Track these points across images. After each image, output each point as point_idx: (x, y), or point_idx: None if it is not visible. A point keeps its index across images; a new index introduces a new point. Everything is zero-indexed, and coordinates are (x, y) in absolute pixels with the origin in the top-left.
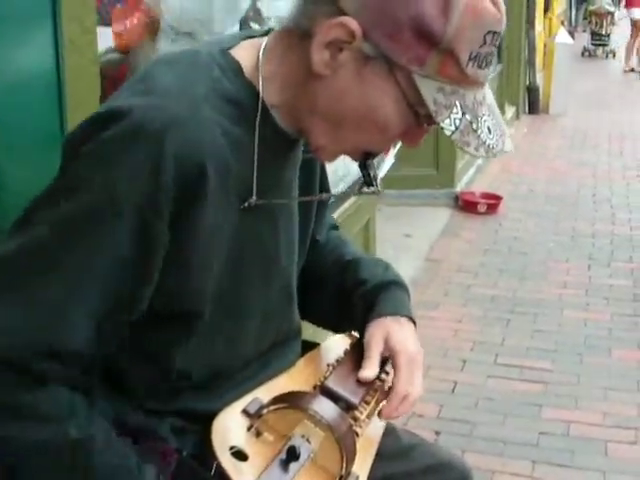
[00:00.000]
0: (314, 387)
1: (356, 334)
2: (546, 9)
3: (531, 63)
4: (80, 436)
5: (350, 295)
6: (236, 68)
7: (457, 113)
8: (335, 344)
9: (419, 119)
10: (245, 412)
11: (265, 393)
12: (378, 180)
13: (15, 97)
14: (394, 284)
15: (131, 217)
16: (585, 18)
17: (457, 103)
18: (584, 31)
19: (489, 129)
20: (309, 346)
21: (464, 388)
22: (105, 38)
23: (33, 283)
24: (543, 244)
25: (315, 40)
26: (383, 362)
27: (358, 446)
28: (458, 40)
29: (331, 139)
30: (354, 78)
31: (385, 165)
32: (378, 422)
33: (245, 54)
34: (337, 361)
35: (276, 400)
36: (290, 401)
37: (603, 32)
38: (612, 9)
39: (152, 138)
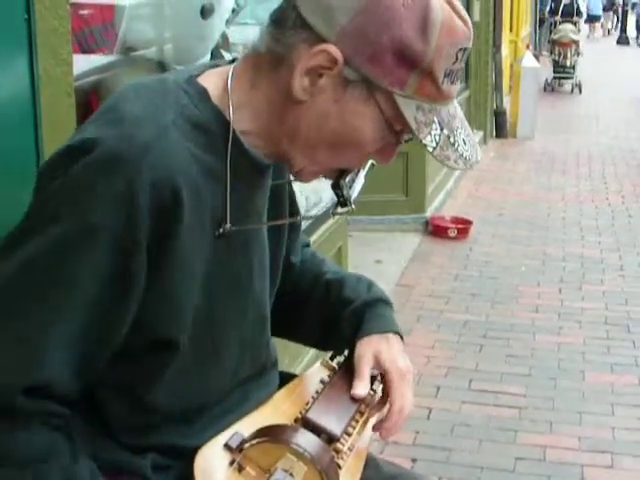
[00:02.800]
0: (295, 420)
1: (334, 364)
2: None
3: (498, 87)
4: (64, 478)
5: (336, 314)
6: (203, 94)
7: (436, 129)
8: (314, 375)
9: (398, 136)
10: (227, 446)
11: (246, 427)
12: (352, 199)
13: None
14: (379, 301)
15: (109, 248)
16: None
17: (435, 119)
18: (551, 53)
19: (464, 141)
20: (287, 377)
21: (439, 414)
22: (81, 66)
23: (10, 322)
24: (514, 268)
25: (297, 67)
26: (371, 381)
27: (341, 478)
28: (436, 60)
29: (310, 161)
30: (334, 102)
31: (357, 185)
32: (363, 445)
33: (212, 81)
34: (317, 392)
35: (257, 434)
36: (272, 435)
37: (567, 63)
38: (577, 37)
39: (126, 168)
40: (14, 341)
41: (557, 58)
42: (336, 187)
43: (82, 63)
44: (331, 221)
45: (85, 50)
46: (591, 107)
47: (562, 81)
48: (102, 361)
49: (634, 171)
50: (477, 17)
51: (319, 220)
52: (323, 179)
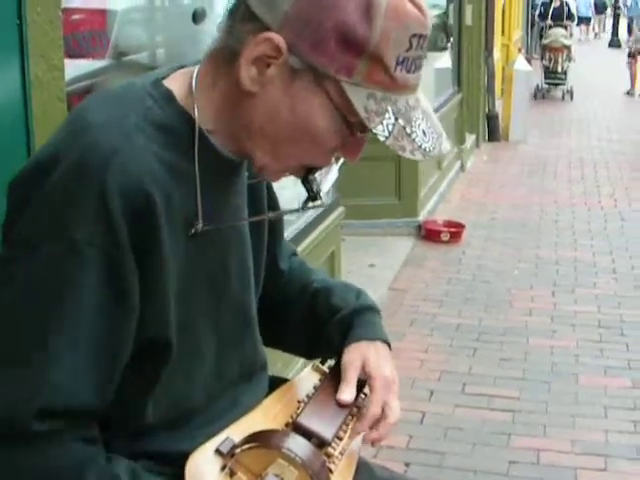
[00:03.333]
0: (286, 424)
1: (325, 368)
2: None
3: (490, 90)
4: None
5: (324, 322)
6: (167, 96)
7: (390, 119)
8: (305, 379)
9: (352, 128)
10: (218, 452)
11: (237, 432)
12: (322, 193)
13: None
14: (368, 309)
15: (96, 259)
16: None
17: (389, 109)
18: (542, 59)
19: (424, 132)
20: (277, 382)
21: (432, 418)
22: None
23: (12, 347)
24: (507, 272)
25: (243, 57)
26: (360, 386)
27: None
28: (384, 45)
29: (272, 157)
30: (284, 93)
31: (329, 179)
32: (355, 449)
33: (177, 83)
34: (308, 396)
35: (248, 439)
36: (262, 440)
37: (559, 69)
38: (568, 42)
39: (94, 176)
40: (18, 366)
41: (548, 64)
42: (305, 182)
43: (74, 68)
44: (324, 225)
45: (71, 55)
46: (582, 110)
47: (553, 87)
48: (119, 370)
49: (626, 174)
50: (469, 21)
51: (292, 211)
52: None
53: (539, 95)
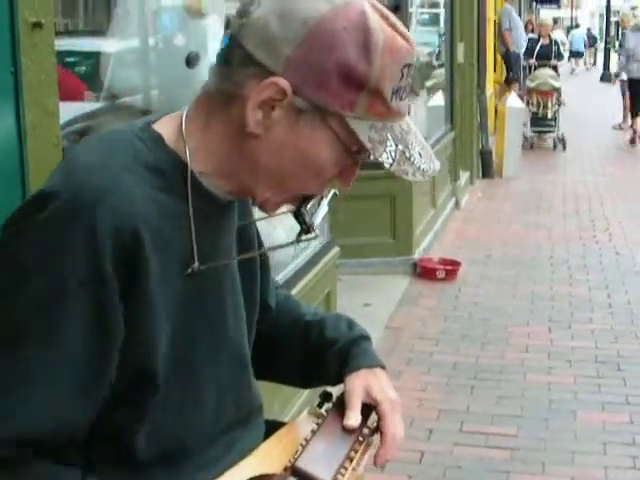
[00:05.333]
0: (284, 468)
1: (322, 411)
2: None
3: (483, 127)
4: None
5: (319, 355)
6: (157, 140)
7: (391, 146)
8: (302, 423)
9: (354, 157)
10: None
11: (237, 476)
12: (315, 226)
13: None
14: (362, 338)
15: (82, 295)
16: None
17: (389, 136)
18: (528, 104)
19: (420, 154)
20: (274, 426)
21: (431, 457)
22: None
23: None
24: (503, 309)
25: (249, 102)
26: (364, 416)
27: None
28: (382, 79)
29: (274, 192)
30: (289, 132)
31: (320, 213)
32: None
33: (166, 126)
34: (306, 440)
35: None
36: None
37: (548, 115)
38: (558, 84)
39: (82, 215)
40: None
41: (536, 109)
42: (298, 215)
43: (66, 111)
44: (320, 266)
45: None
46: (576, 145)
47: (543, 135)
48: (95, 408)
49: (621, 209)
50: (461, 58)
51: (286, 245)
52: (289, 213)
53: (527, 145)
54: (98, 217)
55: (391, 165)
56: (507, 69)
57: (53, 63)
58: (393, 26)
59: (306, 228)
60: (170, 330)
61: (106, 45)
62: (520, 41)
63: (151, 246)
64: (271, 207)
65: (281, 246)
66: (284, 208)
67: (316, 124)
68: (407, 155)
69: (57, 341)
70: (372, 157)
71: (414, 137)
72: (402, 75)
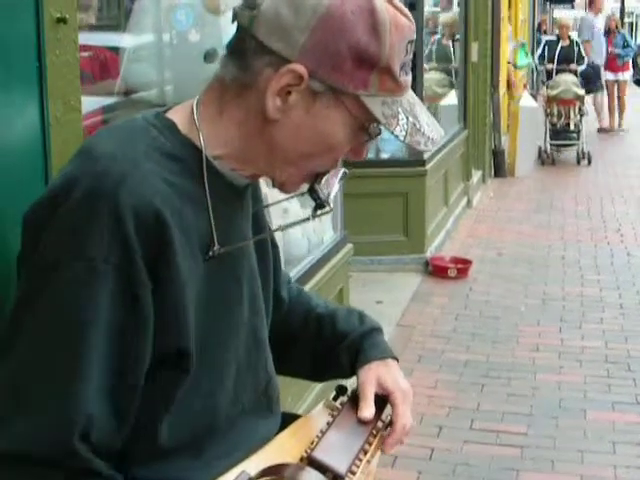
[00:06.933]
0: (301, 459)
1: (337, 404)
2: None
3: (496, 127)
4: None
5: (331, 348)
6: (171, 127)
7: (403, 119)
8: (317, 415)
9: (368, 133)
10: None
11: (252, 465)
12: (330, 200)
13: (1, 175)
14: (374, 330)
15: (112, 277)
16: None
17: (399, 110)
18: (546, 115)
19: (427, 124)
20: (289, 418)
21: (441, 454)
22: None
23: (40, 373)
24: (514, 308)
25: (268, 90)
26: (378, 408)
27: None
28: (391, 57)
29: (292, 172)
30: (306, 114)
31: (334, 188)
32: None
33: (178, 114)
34: (321, 431)
35: (264, 473)
36: (278, 474)
37: (571, 127)
38: (581, 92)
39: (106, 200)
40: (50, 392)
41: (556, 120)
42: (312, 192)
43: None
44: (333, 262)
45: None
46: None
47: (563, 149)
48: (137, 393)
49: (632, 209)
50: (475, 57)
51: (302, 221)
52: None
53: (547, 161)
54: (120, 201)
55: (405, 137)
56: (587, 82)
57: (77, 58)
58: (394, 5)
59: (321, 203)
60: (193, 313)
61: (122, 40)
62: (601, 52)
63: (174, 224)
64: (290, 187)
65: (298, 222)
66: (303, 188)
67: (331, 104)
68: (417, 127)
69: (92, 325)
70: (388, 131)
71: (420, 108)
72: (406, 51)
